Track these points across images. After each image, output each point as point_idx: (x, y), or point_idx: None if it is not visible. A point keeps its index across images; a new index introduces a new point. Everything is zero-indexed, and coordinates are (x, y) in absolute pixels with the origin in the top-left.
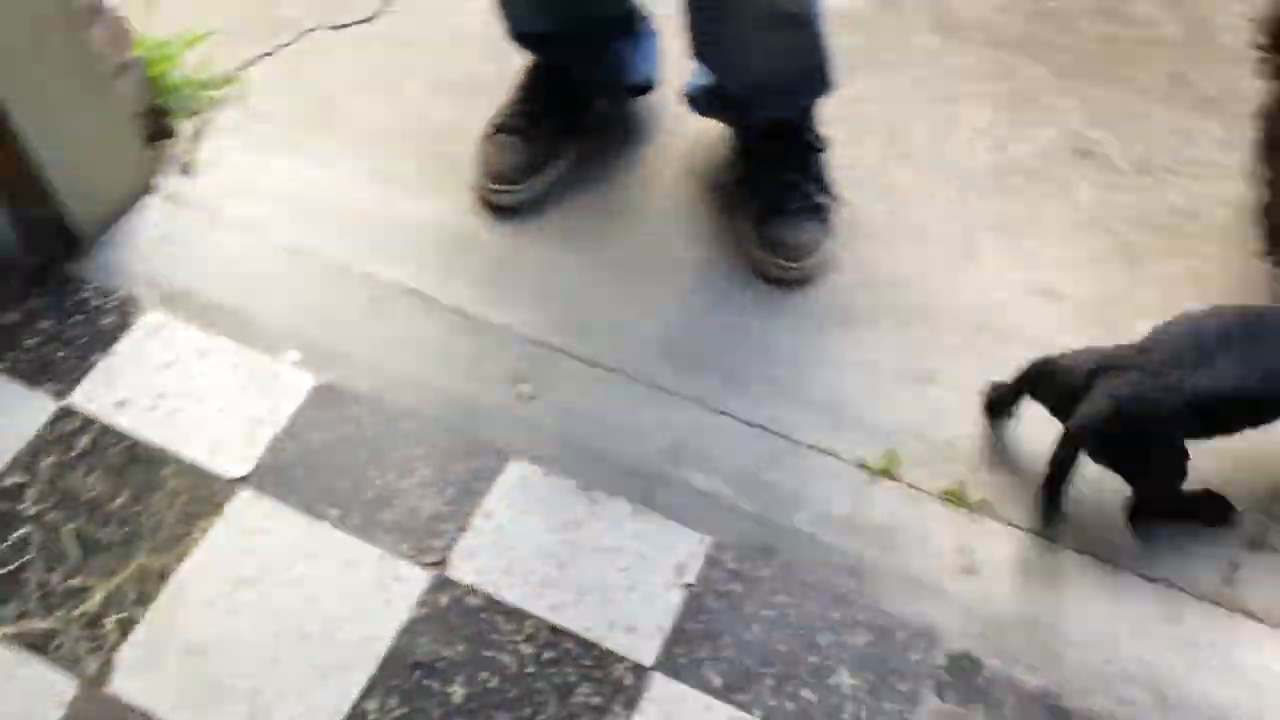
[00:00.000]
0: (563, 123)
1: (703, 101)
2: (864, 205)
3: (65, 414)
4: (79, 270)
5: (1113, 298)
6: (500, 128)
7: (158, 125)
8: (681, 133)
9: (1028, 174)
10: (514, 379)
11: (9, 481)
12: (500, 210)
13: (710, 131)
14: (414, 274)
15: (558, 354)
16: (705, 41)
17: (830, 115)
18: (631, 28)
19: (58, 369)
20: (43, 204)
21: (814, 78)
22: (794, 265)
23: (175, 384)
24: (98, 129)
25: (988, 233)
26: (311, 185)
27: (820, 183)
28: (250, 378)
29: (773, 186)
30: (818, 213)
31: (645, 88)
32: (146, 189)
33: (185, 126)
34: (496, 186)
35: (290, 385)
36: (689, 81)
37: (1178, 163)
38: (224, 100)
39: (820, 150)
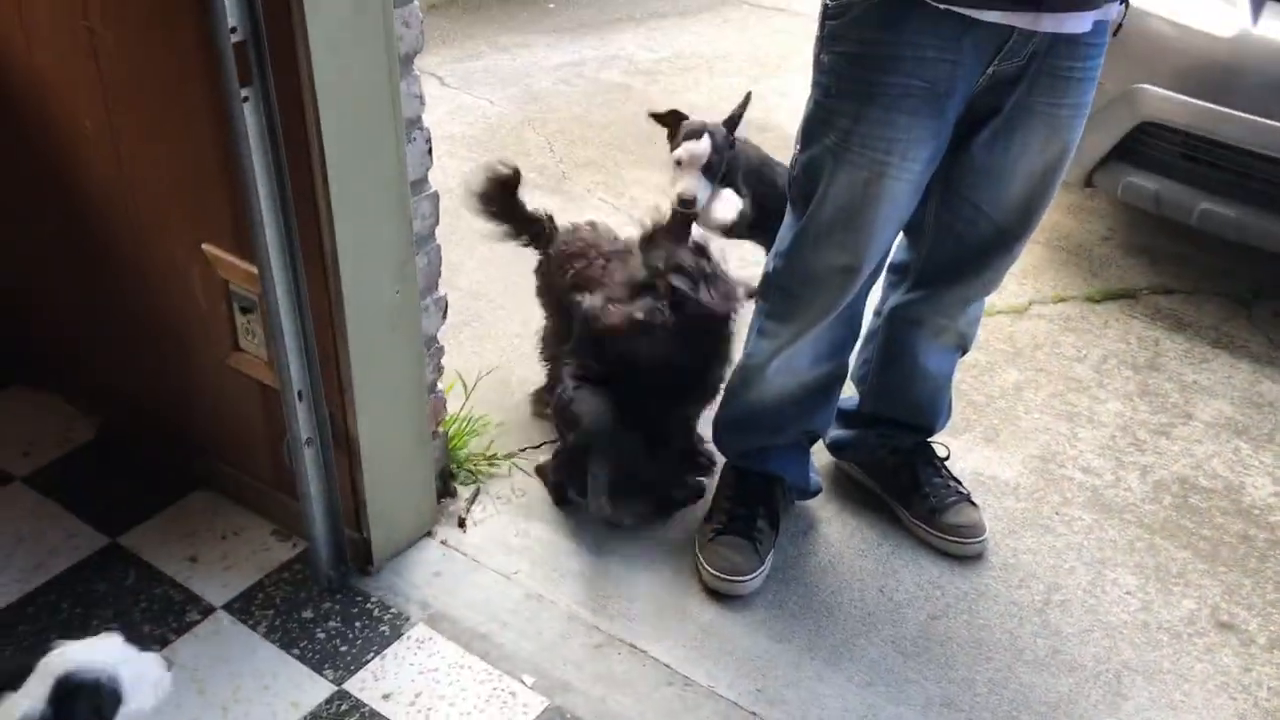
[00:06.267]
0: (770, 521)
1: (849, 445)
2: (1025, 638)
3: (340, 696)
4: (366, 585)
5: None
6: (723, 530)
7: (445, 486)
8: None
9: (1173, 634)
10: None
11: None
12: (730, 597)
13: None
14: (631, 629)
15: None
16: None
17: (995, 562)
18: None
19: (339, 660)
20: (357, 527)
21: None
22: (975, 540)
23: (432, 687)
24: (412, 479)
25: (1138, 676)
26: (557, 547)
27: (956, 479)
28: (493, 692)
29: (930, 489)
30: (969, 499)
31: (816, 491)
32: (429, 533)
33: (465, 490)
34: (731, 578)
35: (526, 703)
36: (831, 435)
37: None
38: (497, 476)
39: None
